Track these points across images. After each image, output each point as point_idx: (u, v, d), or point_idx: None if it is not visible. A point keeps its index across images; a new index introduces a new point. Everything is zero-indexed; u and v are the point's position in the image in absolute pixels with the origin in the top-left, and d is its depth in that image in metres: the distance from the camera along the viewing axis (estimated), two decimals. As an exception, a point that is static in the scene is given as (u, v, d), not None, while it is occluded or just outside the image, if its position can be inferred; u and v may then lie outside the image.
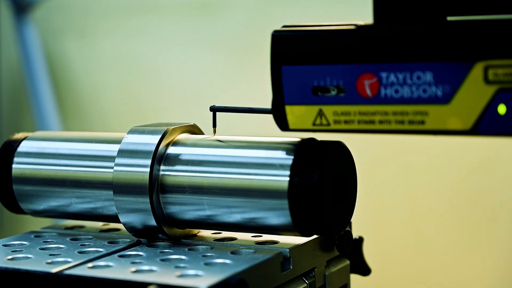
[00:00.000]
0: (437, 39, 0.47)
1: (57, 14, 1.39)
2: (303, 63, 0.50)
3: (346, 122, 0.50)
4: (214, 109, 0.58)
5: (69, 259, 0.52)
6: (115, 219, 0.57)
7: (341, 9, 1.15)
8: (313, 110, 0.51)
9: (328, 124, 0.50)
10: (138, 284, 0.47)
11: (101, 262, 0.51)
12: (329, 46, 0.49)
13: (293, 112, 0.51)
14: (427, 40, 0.47)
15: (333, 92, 0.50)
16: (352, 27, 0.49)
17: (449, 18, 0.48)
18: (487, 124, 0.47)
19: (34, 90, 1.31)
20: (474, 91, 0.46)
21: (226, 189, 0.53)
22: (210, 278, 0.47)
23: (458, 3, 0.48)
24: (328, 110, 0.50)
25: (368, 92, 0.49)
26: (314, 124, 0.51)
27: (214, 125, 0.58)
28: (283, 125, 0.52)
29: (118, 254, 0.53)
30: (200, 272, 0.48)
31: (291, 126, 0.52)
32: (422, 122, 0.48)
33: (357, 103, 0.49)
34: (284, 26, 0.52)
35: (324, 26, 0.50)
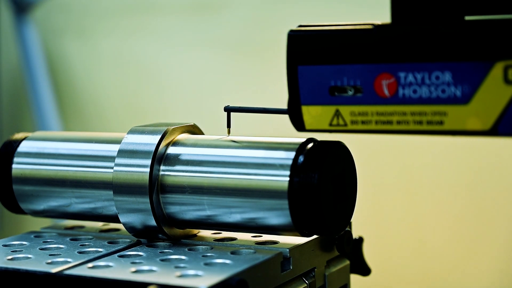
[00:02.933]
0: (456, 39, 0.46)
1: (57, 14, 1.39)
2: (319, 63, 0.50)
3: (363, 122, 0.50)
4: (229, 109, 0.57)
5: (69, 259, 0.52)
6: (115, 219, 0.57)
7: (343, 9, 1.15)
8: (329, 110, 0.50)
9: (345, 125, 0.50)
10: (138, 284, 0.47)
11: (101, 262, 0.51)
12: (347, 46, 0.49)
13: (309, 113, 0.51)
14: (446, 40, 0.47)
15: (350, 92, 0.49)
16: (370, 26, 0.49)
17: (466, 18, 0.48)
18: (507, 125, 0.46)
19: (34, 90, 1.31)
20: (494, 91, 0.46)
21: (226, 189, 0.53)
22: (210, 278, 0.47)
23: (476, 3, 0.47)
24: (345, 110, 0.50)
25: (386, 92, 0.48)
26: (330, 124, 0.50)
27: (229, 125, 0.57)
28: (299, 125, 0.51)
29: (118, 254, 0.53)
30: (200, 272, 0.48)
31: (307, 126, 0.51)
32: (441, 123, 0.48)
33: (374, 103, 0.49)
34: (299, 26, 0.51)
35: (340, 25, 0.50)
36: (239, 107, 0.57)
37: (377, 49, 0.48)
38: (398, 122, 0.49)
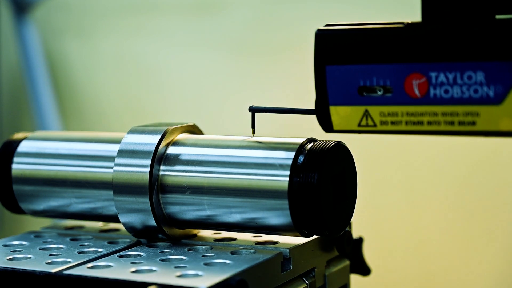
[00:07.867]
0: (489, 38, 0.46)
1: (57, 14, 1.39)
2: (348, 62, 0.49)
3: (393, 123, 0.49)
4: (253, 110, 0.56)
5: (69, 259, 0.52)
6: (115, 219, 0.57)
7: (347, 9, 1.15)
8: (358, 110, 0.49)
9: (374, 125, 0.49)
10: (138, 284, 0.47)
11: (101, 262, 0.51)
12: (376, 45, 0.48)
13: (337, 113, 0.50)
14: (479, 39, 0.46)
15: (380, 92, 0.49)
16: (400, 25, 0.48)
17: (497, 17, 0.47)
18: None
19: (34, 90, 1.31)
20: None
21: (226, 189, 0.53)
22: (210, 278, 0.47)
23: (507, 1, 0.46)
24: (375, 110, 0.49)
25: (417, 92, 0.48)
26: (359, 125, 0.50)
27: (253, 126, 0.56)
28: (327, 126, 0.51)
29: (118, 254, 0.53)
30: (200, 272, 0.48)
31: (335, 127, 0.50)
32: (473, 123, 0.47)
33: (405, 104, 0.48)
34: (327, 25, 0.50)
35: (369, 24, 0.49)
36: (264, 107, 0.56)
37: (408, 48, 0.47)
38: (429, 123, 0.48)
